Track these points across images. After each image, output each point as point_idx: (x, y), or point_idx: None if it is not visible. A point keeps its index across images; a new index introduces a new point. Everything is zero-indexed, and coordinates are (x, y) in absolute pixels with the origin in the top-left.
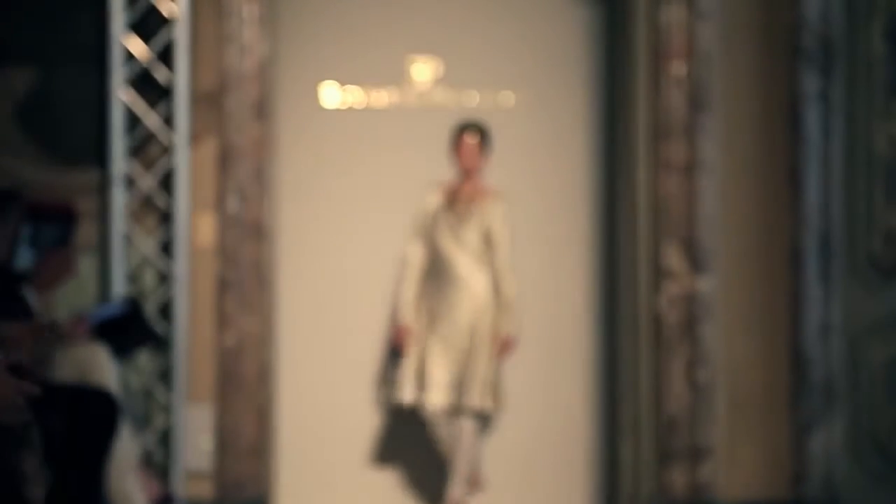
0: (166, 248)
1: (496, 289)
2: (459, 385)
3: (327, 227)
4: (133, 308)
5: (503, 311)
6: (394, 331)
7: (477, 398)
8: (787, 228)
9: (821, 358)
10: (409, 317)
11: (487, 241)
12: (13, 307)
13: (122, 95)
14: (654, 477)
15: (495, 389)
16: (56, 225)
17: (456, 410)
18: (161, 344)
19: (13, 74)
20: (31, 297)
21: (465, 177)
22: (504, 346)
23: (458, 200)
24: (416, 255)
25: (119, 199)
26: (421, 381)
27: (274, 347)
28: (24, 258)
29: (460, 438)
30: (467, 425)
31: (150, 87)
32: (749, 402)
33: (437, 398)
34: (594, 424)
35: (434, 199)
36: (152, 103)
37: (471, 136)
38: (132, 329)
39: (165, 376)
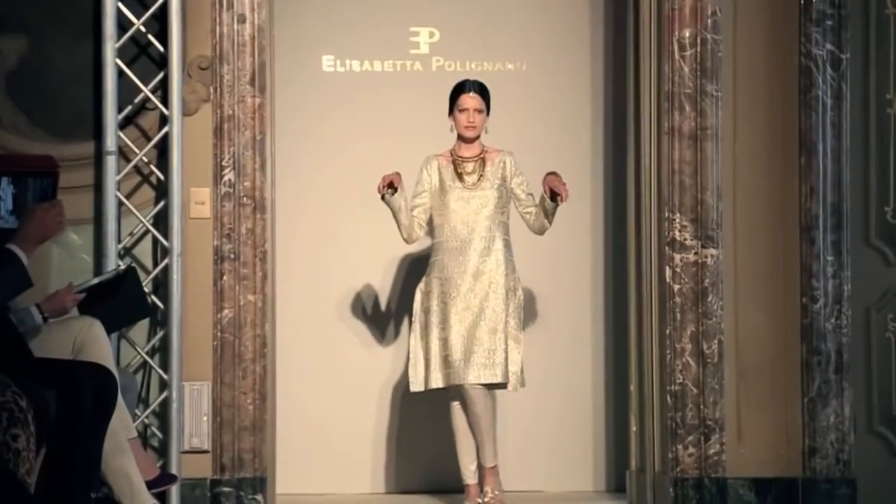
0: (162, 221)
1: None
2: (481, 361)
3: (325, 199)
4: (125, 273)
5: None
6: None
7: (499, 373)
8: (797, 198)
9: (832, 330)
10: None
11: (507, 195)
12: (3, 264)
13: (115, 65)
14: (661, 452)
15: (512, 366)
16: (39, 179)
17: (483, 386)
18: (154, 313)
19: (4, 44)
20: (22, 254)
21: (466, 141)
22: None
23: (465, 168)
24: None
25: (112, 172)
26: (443, 364)
27: (272, 321)
28: (8, 218)
29: (485, 411)
30: (488, 398)
31: (144, 57)
32: (759, 375)
33: (464, 376)
34: (601, 399)
35: (434, 173)
36: (146, 73)
37: (471, 97)
38: (124, 294)
39: (161, 351)
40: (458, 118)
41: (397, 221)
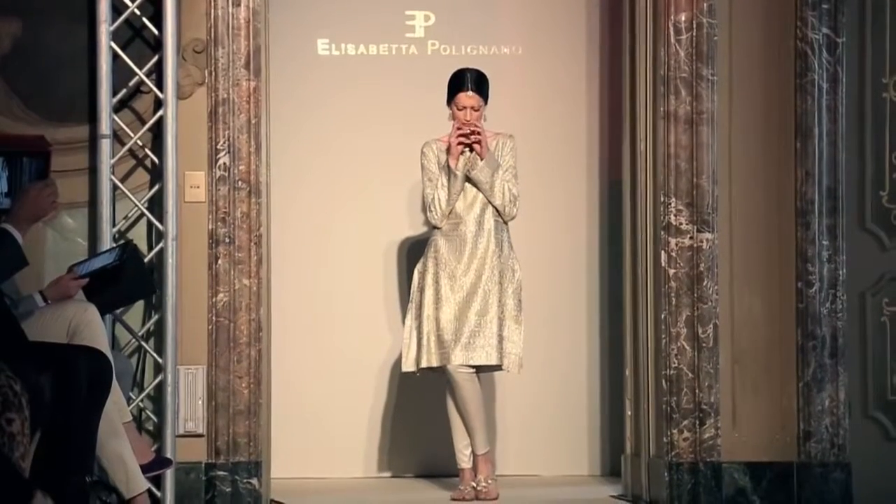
0: (156, 205)
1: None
2: (467, 342)
3: (321, 182)
4: (127, 255)
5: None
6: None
7: (483, 355)
8: (793, 182)
9: (827, 314)
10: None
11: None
12: None
13: (109, 48)
14: (656, 436)
15: (509, 346)
16: (31, 159)
17: (473, 368)
18: (156, 290)
19: None
20: (16, 233)
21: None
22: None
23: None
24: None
25: (107, 155)
26: (436, 344)
27: (267, 305)
28: (2, 199)
29: (472, 396)
30: (475, 383)
31: (139, 40)
32: (754, 360)
33: (457, 357)
34: (596, 383)
35: (434, 157)
36: (141, 57)
37: (468, 97)
38: (128, 276)
39: (156, 335)
40: (455, 114)
41: (449, 193)
